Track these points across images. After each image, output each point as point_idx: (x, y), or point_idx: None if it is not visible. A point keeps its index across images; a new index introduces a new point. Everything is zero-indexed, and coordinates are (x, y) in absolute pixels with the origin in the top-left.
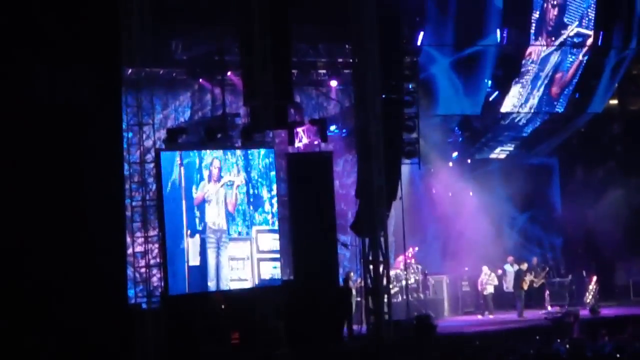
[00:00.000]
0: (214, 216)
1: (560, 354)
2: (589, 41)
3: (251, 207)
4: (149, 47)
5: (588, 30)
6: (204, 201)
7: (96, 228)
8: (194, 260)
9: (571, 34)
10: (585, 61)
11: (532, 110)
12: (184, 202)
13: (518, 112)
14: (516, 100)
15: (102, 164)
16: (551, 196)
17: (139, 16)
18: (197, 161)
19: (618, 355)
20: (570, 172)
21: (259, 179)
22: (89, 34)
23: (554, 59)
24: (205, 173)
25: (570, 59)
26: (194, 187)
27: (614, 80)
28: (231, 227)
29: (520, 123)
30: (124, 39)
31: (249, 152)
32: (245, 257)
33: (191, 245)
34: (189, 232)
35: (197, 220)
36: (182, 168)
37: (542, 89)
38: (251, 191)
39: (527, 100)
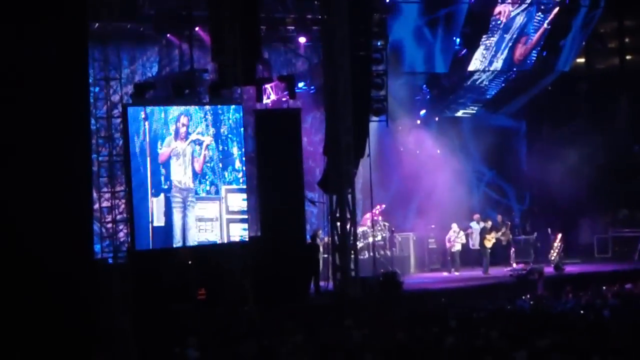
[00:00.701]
0: (180, 174)
1: (524, 310)
2: (555, 10)
3: (220, 165)
4: (116, 1)
5: None
6: (169, 158)
7: (62, 183)
8: (158, 220)
9: None
10: (551, 24)
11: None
12: (148, 159)
13: (485, 71)
14: (479, 63)
15: (69, 118)
16: (518, 154)
17: None
18: (163, 115)
19: (582, 312)
20: (537, 131)
21: (229, 135)
22: None
23: (520, 20)
24: (172, 128)
25: (536, 22)
26: (159, 143)
27: (581, 38)
28: (199, 186)
29: (483, 84)
30: None
31: (218, 107)
32: (213, 218)
33: (156, 205)
34: (153, 190)
35: (162, 179)
36: (146, 123)
37: (505, 52)
38: (220, 147)
39: (490, 63)
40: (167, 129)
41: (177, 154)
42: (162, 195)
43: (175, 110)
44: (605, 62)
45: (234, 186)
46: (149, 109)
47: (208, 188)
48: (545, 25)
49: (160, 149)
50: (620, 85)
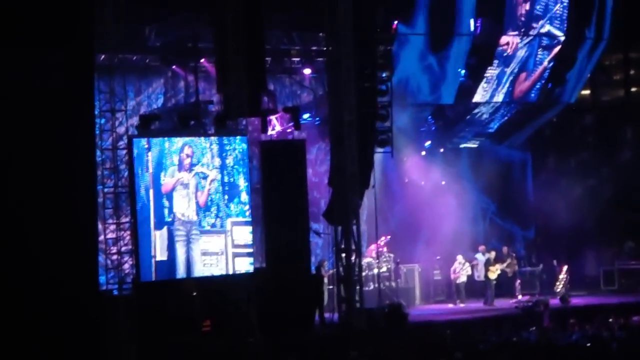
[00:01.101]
0: (184, 207)
1: (530, 343)
2: (557, 49)
3: (226, 197)
4: (122, 33)
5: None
6: (173, 189)
7: (68, 214)
8: (161, 254)
9: (542, 31)
10: (552, 61)
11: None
12: (151, 190)
13: (487, 103)
14: (481, 96)
15: (75, 150)
16: (524, 186)
17: (112, 1)
18: (167, 146)
19: (588, 345)
20: (542, 163)
21: (235, 166)
22: (63, 18)
23: (521, 54)
24: (176, 159)
25: (538, 58)
26: (162, 174)
27: (586, 70)
28: (204, 219)
29: (484, 118)
30: (97, 24)
31: (223, 138)
32: (219, 252)
33: (159, 239)
34: (155, 222)
35: (165, 211)
36: (149, 153)
37: (507, 85)
38: (226, 179)
39: (492, 96)
40: (170, 159)
41: (181, 185)
42: (165, 229)
43: (179, 141)
44: (611, 94)
45: (240, 219)
46: (152, 138)
47: (213, 221)
48: (545, 63)
49: (164, 179)
50: (625, 117)
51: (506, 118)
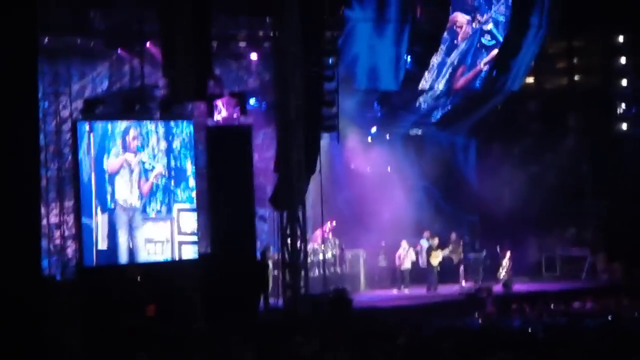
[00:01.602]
0: (126, 192)
1: (473, 328)
2: (494, 52)
3: (173, 182)
4: (66, 15)
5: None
6: (118, 172)
7: (10, 198)
8: (102, 243)
9: (485, 28)
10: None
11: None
12: (92, 174)
13: (429, 90)
14: (424, 84)
15: (17, 132)
16: (468, 172)
17: None
18: (110, 127)
19: (529, 330)
20: (487, 149)
21: (182, 150)
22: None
23: (462, 46)
24: (119, 142)
25: (477, 56)
26: (105, 157)
27: (530, 59)
28: (148, 204)
29: (426, 106)
30: (40, 6)
31: (170, 122)
32: (164, 240)
33: (100, 226)
34: (99, 208)
35: (108, 197)
36: (91, 135)
37: (446, 76)
38: (173, 163)
39: (432, 87)
40: (114, 142)
41: (127, 167)
42: (106, 215)
43: (123, 124)
44: (555, 82)
45: (187, 205)
46: (96, 122)
47: (158, 207)
48: (481, 65)
49: (107, 161)
50: (569, 105)
51: (449, 106)
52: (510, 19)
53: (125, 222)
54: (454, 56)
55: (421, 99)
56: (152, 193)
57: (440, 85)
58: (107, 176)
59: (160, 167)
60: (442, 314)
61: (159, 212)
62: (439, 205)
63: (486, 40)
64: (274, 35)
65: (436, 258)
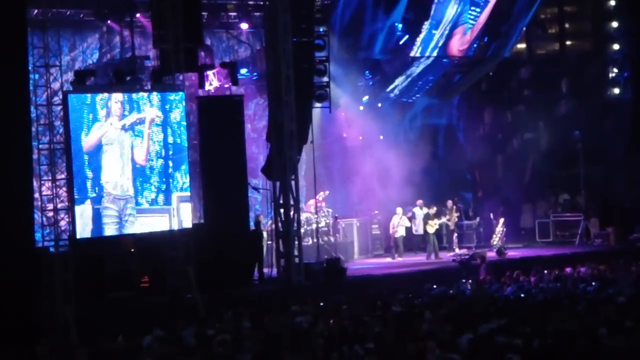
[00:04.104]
0: (115, 174)
1: (465, 294)
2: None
3: (171, 164)
4: None
5: None
6: (99, 149)
7: (3, 171)
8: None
9: None
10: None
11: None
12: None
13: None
14: (416, 52)
15: (8, 105)
16: (460, 139)
17: None
18: (89, 98)
19: (522, 295)
20: (479, 116)
21: (182, 123)
22: None
23: (452, 11)
24: (102, 113)
25: (473, 14)
26: (83, 134)
27: (522, 24)
28: (141, 192)
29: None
30: None
31: (167, 92)
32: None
33: (79, 220)
34: (75, 198)
35: (88, 184)
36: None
37: (441, 42)
38: (171, 139)
39: (424, 52)
40: (94, 112)
41: (108, 142)
42: (88, 205)
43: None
44: (546, 48)
45: (187, 193)
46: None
47: (154, 196)
48: (481, 19)
49: (85, 138)
50: (561, 71)
51: (441, 73)
52: None
53: (114, 215)
54: (446, 21)
55: (418, 63)
56: (146, 177)
57: (435, 52)
58: (86, 157)
59: (153, 115)
60: (436, 281)
61: (154, 201)
62: (433, 174)
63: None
64: (264, 4)
65: (433, 226)
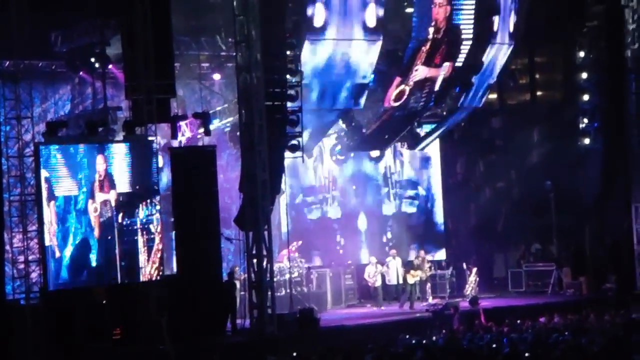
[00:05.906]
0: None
1: (439, 344)
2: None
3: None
4: (27, 39)
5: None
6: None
7: None
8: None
9: None
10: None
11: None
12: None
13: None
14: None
15: None
16: (433, 189)
17: (16, 6)
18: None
19: (494, 346)
20: (451, 165)
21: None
22: None
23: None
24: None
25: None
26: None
27: (493, 75)
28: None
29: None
30: (0, 29)
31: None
32: None
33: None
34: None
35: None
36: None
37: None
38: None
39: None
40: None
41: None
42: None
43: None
44: (517, 98)
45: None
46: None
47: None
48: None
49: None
50: (532, 121)
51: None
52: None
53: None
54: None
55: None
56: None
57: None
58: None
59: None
60: (409, 331)
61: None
62: (405, 223)
63: None
64: (236, 55)
65: (414, 277)
